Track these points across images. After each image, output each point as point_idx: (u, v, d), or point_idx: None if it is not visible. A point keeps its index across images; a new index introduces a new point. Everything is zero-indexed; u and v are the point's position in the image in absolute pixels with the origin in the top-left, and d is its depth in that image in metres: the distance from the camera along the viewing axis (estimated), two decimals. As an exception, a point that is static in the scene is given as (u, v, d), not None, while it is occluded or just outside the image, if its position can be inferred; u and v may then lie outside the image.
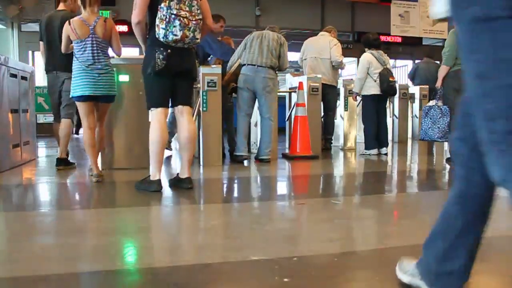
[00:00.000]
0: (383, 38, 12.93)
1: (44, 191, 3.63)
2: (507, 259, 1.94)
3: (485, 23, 1.04)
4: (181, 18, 2.95)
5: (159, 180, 3.23)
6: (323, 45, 6.04)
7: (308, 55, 6.11)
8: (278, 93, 5.29)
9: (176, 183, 3.41)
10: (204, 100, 4.56)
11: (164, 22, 2.95)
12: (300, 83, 5.40)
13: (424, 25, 11.54)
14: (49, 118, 8.24)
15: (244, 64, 4.81)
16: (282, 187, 3.91)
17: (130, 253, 2.08)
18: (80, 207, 3.03)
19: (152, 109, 3.20)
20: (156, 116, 3.18)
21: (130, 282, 1.73)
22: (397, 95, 6.87)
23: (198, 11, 3.06)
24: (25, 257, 1.90)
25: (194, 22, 3.01)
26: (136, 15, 3.05)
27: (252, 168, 4.69)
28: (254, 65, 4.76)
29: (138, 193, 3.38)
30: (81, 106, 3.78)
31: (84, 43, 3.72)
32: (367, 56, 5.68)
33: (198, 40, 3.10)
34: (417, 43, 12.27)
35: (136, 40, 3.24)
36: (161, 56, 3.04)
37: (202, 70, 4.57)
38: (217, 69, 4.68)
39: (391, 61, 5.70)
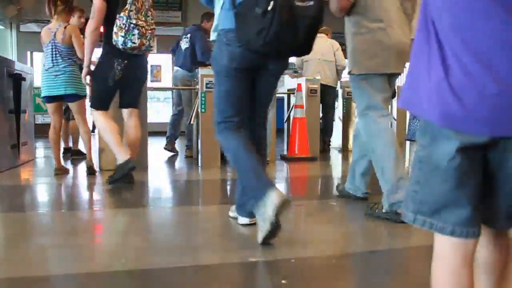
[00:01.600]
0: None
1: (42, 192, 3.62)
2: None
3: None
4: (140, 28, 3.16)
5: (128, 159, 3.29)
6: (325, 47, 6.04)
7: (311, 57, 6.10)
8: (277, 95, 5.30)
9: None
10: (203, 102, 4.55)
11: (124, 30, 3.13)
12: (299, 85, 5.41)
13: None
14: (48, 119, 8.23)
15: None
16: (280, 189, 3.89)
17: (127, 254, 2.08)
18: (78, 208, 3.02)
19: (93, 109, 3.44)
20: (98, 116, 3.43)
21: (127, 284, 1.73)
22: (396, 97, 6.88)
23: (152, 21, 3.30)
24: (22, 258, 1.90)
25: (150, 31, 3.26)
26: (94, 22, 3.21)
27: (251, 170, 4.68)
28: None
29: (135, 194, 3.38)
30: (47, 107, 4.16)
31: (46, 48, 4.00)
32: None
33: (153, 48, 3.35)
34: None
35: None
36: (119, 67, 3.26)
37: (201, 71, 4.57)
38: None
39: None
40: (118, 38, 3.14)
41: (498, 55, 0.81)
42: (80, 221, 2.63)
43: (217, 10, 2.18)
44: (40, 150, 6.46)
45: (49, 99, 4.06)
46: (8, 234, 2.36)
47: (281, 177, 4.50)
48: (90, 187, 3.74)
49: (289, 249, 2.04)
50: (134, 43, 3.15)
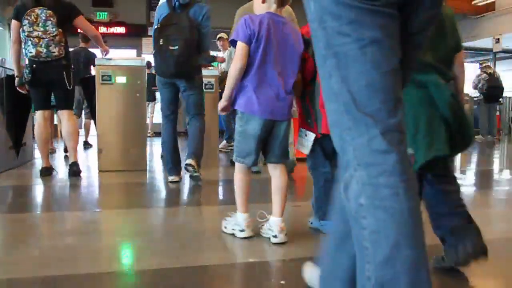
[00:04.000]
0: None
1: (41, 193, 3.62)
2: (502, 261, 1.95)
3: None
4: (32, 38, 3.62)
5: (46, 167, 4.01)
6: None
7: None
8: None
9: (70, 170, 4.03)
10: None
11: (23, 42, 3.70)
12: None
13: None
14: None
15: None
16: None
17: (126, 255, 2.08)
18: (76, 209, 3.02)
19: (35, 112, 4.04)
20: (37, 118, 4.01)
21: (126, 285, 1.73)
22: None
23: (54, 29, 3.66)
24: (21, 259, 1.90)
25: (46, 39, 3.64)
26: (12, 38, 3.86)
27: (249, 170, 4.69)
28: None
29: (134, 195, 3.38)
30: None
31: None
32: None
33: (55, 53, 3.68)
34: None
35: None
36: (27, 71, 3.72)
37: (199, 72, 4.59)
38: (214, 71, 4.70)
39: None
40: (23, 50, 3.74)
41: (266, 83, 2.07)
42: (79, 222, 2.63)
43: None
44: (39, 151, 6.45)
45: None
46: (7, 235, 2.36)
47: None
48: (89, 188, 3.75)
49: (288, 249, 2.05)
50: (30, 52, 3.64)
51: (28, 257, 1.94)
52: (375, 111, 0.93)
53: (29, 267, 1.81)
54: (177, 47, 3.31)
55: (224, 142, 6.07)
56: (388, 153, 0.92)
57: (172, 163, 3.73)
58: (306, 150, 2.26)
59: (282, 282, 1.67)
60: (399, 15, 0.95)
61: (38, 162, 5.31)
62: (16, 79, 3.96)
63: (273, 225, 2.09)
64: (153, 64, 5.93)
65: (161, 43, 3.35)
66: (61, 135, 5.59)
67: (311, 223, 2.37)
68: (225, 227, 2.25)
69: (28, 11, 3.63)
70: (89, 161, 5.30)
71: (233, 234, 2.18)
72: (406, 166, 0.94)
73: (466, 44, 14.00)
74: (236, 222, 2.18)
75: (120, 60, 4.44)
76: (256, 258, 1.90)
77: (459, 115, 1.64)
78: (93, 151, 5.78)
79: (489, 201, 3.27)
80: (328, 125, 1.04)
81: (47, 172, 4.03)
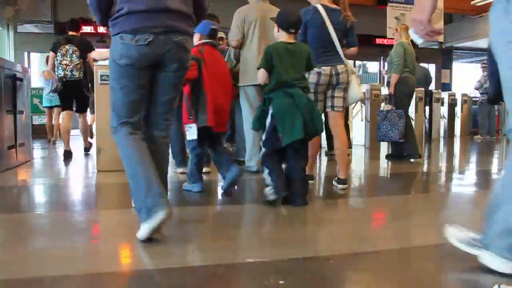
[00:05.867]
0: (379, 40, 12.91)
1: (39, 193, 3.61)
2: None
3: None
4: (62, 65, 5.38)
5: (67, 150, 5.41)
6: None
7: None
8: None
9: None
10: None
11: (56, 67, 5.41)
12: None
13: (420, 28, 11.58)
14: (45, 119, 8.27)
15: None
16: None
17: (124, 255, 2.08)
18: (75, 209, 3.02)
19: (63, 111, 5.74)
20: (63, 116, 5.70)
21: (124, 285, 1.72)
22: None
23: (77, 60, 5.41)
24: (19, 259, 1.90)
25: (71, 66, 5.38)
26: (48, 65, 5.74)
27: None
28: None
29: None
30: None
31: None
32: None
33: (76, 76, 5.41)
34: (412, 46, 12.26)
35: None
36: (59, 84, 5.40)
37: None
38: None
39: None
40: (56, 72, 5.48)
41: None
42: (78, 222, 2.63)
43: None
44: (37, 151, 6.44)
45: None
46: (7, 235, 2.35)
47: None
48: (88, 188, 3.74)
49: (286, 249, 2.04)
50: (60, 74, 5.38)
51: (28, 257, 1.93)
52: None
53: (29, 267, 1.80)
54: None
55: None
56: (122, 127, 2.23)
57: (182, 156, 4.21)
58: (194, 137, 3.06)
59: (281, 282, 1.67)
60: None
61: (37, 162, 5.31)
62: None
63: None
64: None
65: None
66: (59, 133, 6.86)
67: (185, 186, 3.35)
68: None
69: (62, 46, 5.41)
70: (88, 161, 5.29)
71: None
72: (134, 133, 2.22)
73: (465, 44, 14.03)
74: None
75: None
76: (255, 258, 1.90)
77: (312, 113, 2.80)
78: (92, 151, 5.78)
79: (489, 201, 3.26)
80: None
81: (69, 155, 5.37)
